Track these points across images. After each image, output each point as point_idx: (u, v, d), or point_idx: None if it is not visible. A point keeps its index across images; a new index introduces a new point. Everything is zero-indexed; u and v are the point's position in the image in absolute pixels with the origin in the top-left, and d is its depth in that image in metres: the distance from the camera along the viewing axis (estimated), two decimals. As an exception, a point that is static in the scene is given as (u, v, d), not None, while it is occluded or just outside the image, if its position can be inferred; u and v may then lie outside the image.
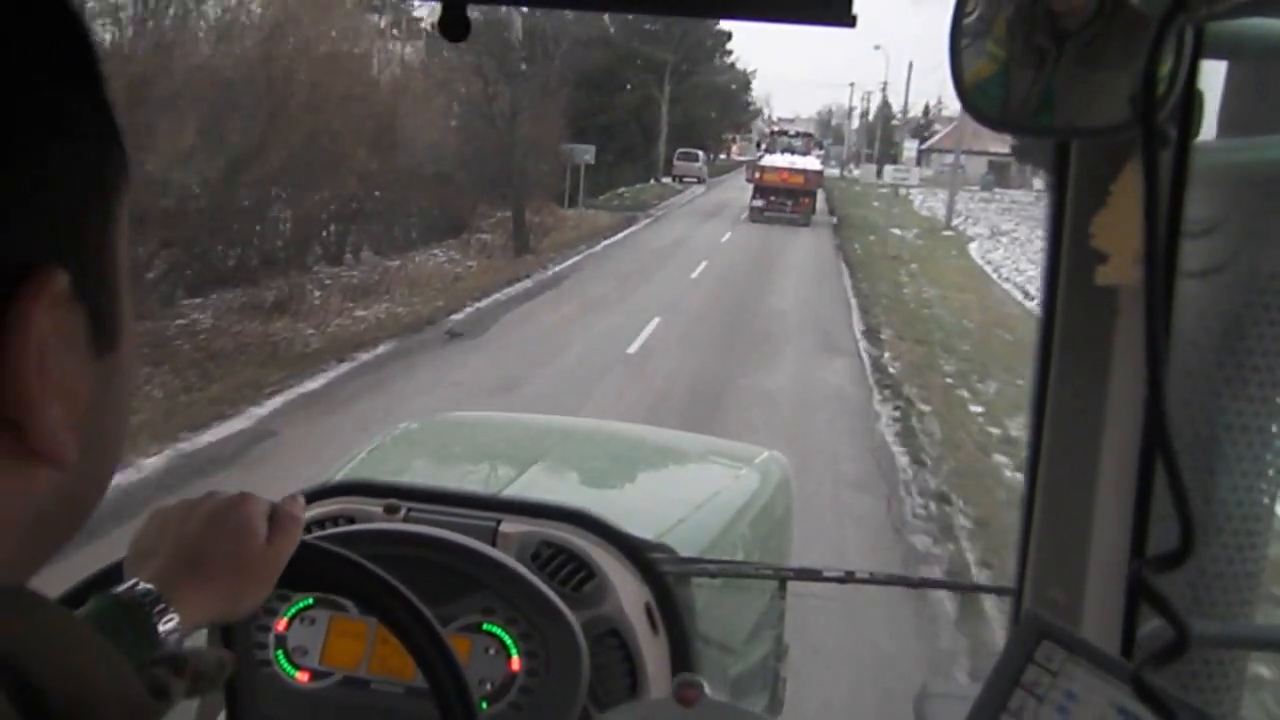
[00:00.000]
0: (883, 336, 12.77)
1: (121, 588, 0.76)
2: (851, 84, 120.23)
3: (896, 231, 24.51)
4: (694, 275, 17.67)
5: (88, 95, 0.42)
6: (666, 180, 46.50)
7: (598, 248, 21.72)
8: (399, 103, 18.47)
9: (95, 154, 0.43)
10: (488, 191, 21.98)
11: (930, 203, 39.62)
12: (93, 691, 0.43)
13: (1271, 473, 0.96)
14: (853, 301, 15.87)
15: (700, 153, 50.11)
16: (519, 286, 15.79)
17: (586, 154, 25.20)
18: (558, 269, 18.15)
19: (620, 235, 24.45)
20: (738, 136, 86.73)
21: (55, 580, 0.88)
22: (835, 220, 31.55)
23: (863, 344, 12.40)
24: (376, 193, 17.81)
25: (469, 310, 13.42)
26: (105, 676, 0.44)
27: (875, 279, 18.13)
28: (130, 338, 0.47)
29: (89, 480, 0.46)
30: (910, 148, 54.39)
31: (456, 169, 20.59)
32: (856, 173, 64.74)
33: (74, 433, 0.42)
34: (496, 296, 14.61)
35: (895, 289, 17.32)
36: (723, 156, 79.00)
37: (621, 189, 37.25)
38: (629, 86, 38.48)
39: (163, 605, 0.75)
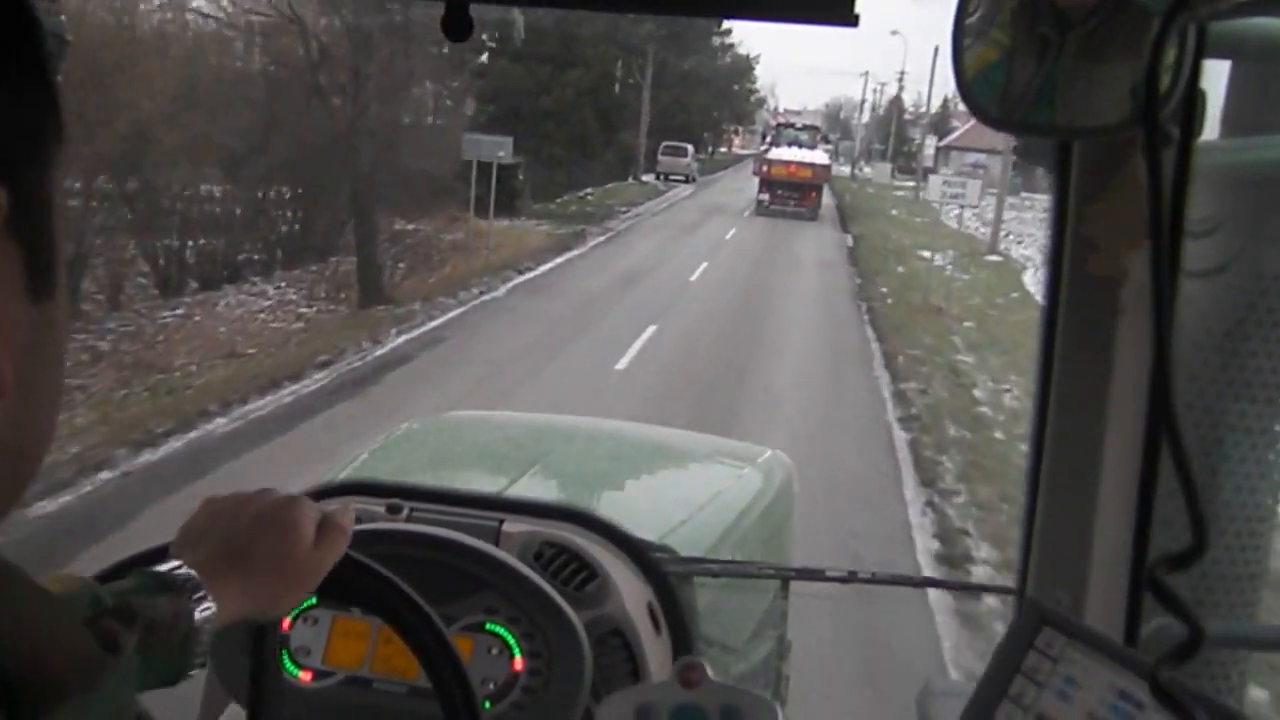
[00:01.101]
0: (978, 554, 6.17)
1: (165, 567, 0.76)
2: (865, 73, 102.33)
3: (933, 259, 16.98)
4: (623, 364, 10.15)
5: (30, 75, 0.43)
6: (649, 178, 39.64)
7: (499, 291, 13.99)
8: (179, 63, 13.08)
9: (33, 122, 0.43)
10: (379, 198, 14.57)
11: (956, 210, 32.20)
12: (36, 644, 0.42)
13: (1275, 474, 0.96)
14: (899, 439, 8.40)
15: (689, 147, 42.26)
16: (304, 385, 8.86)
17: (501, 148, 16.81)
18: (407, 336, 11.05)
19: (547, 266, 16.86)
20: (741, 129, 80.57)
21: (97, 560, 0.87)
22: (851, 240, 23.79)
23: (945, 629, 5.12)
24: (179, 192, 12.15)
25: (124, 471, 6.61)
26: (50, 629, 0.43)
27: (925, 369, 10.82)
28: (64, 294, 0.47)
29: (24, 431, 0.45)
30: (930, 145, 49.83)
31: (295, 165, 14.01)
32: (868, 171, 58.32)
33: (7, 361, 0.41)
34: (217, 423, 7.73)
35: (960, 390, 10.15)
36: (724, 150, 73.43)
37: (588, 190, 30.46)
38: (591, 65, 29.93)
39: (202, 592, 0.75)
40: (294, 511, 0.85)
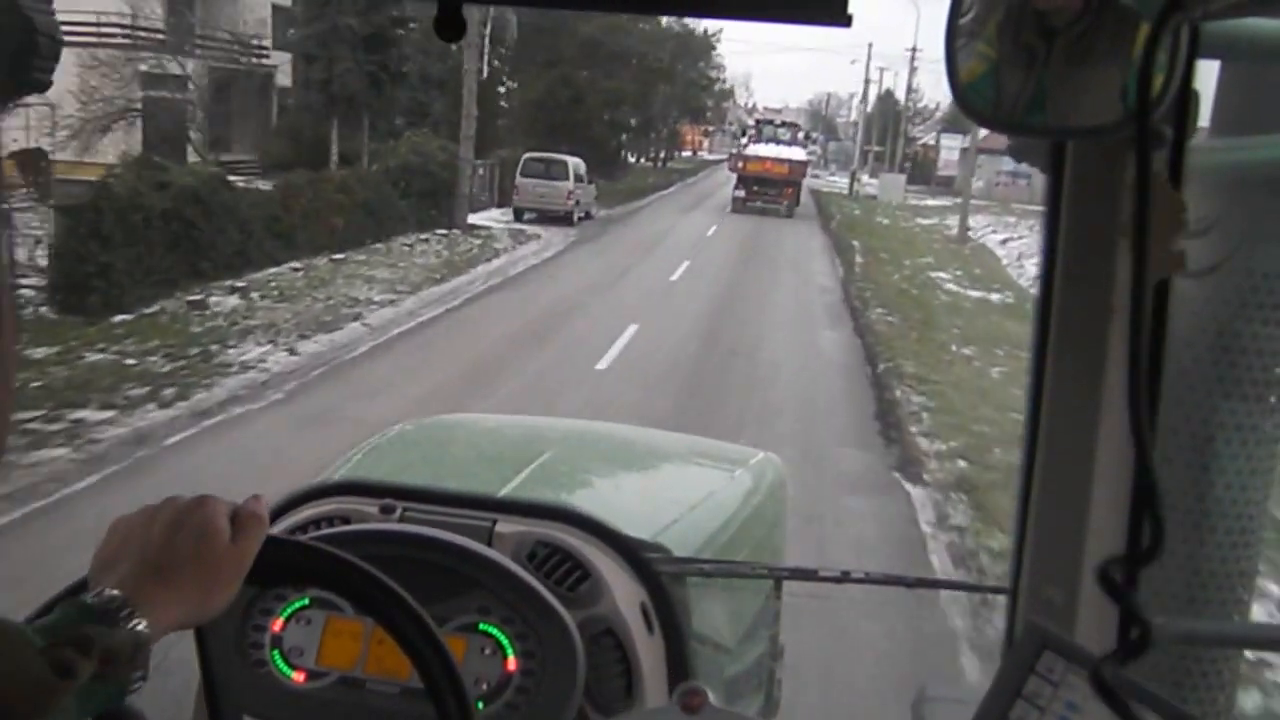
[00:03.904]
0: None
1: (88, 595, 0.75)
2: (869, 45, 60.93)
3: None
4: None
5: None
6: (493, 219, 22.79)
7: None
8: None
9: None
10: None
11: (1022, 253, 20.05)
12: None
13: (1266, 471, 0.96)
14: None
15: (571, 161, 23.91)
16: None
17: None
18: None
19: None
20: (711, 129, 66.01)
21: (25, 602, 0.84)
22: (930, 513, 6.38)
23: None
24: None
25: None
26: (3, 657, 0.43)
27: None
28: (11, 324, 0.47)
29: None
30: (950, 147, 38.65)
31: None
32: (871, 185, 42.65)
33: None
34: None
35: None
36: (688, 153, 60.47)
37: (246, 280, 13.31)
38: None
39: (129, 610, 0.74)
40: (204, 511, 0.84)
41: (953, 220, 27.76)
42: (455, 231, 20.41)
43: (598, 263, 18.13)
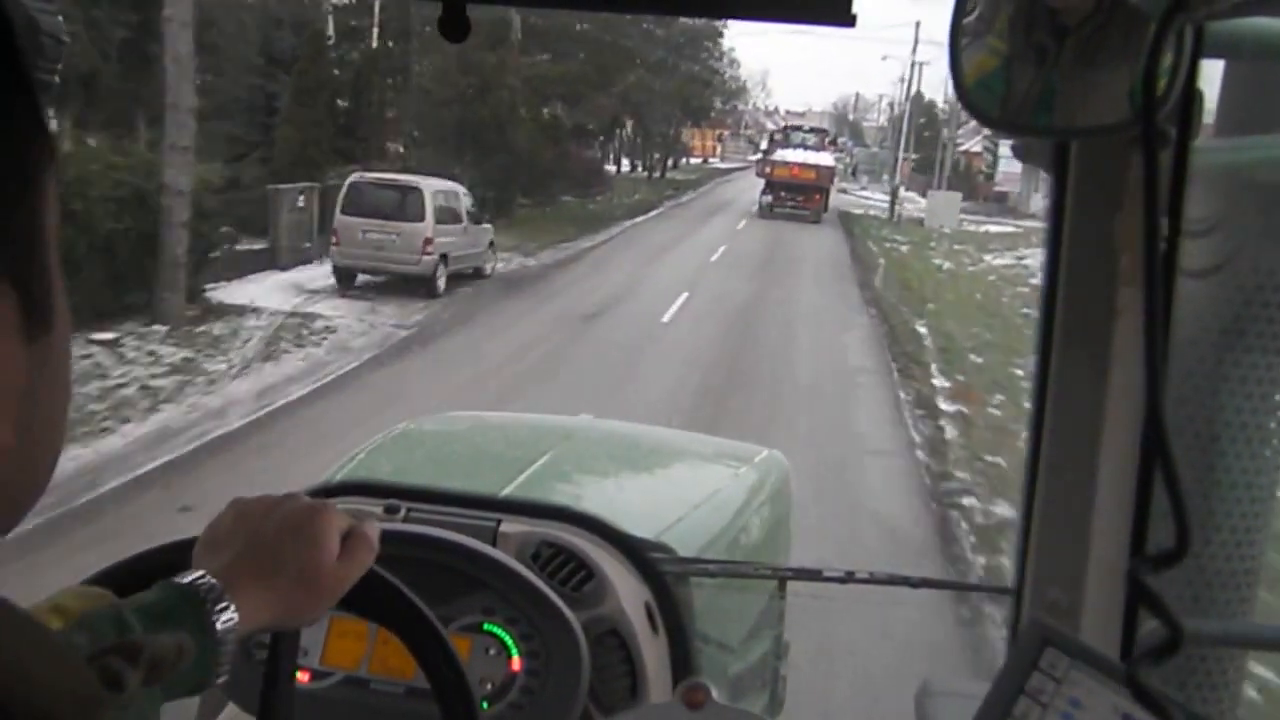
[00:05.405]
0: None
1: (188, 578, 0.75)
2: (917, 23, 45.35)
3: None
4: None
5: (11, 84, 0.41)
6: (268, 297, 11.94)
7: None
8: None
9: (19, 141, 0.42)
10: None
11: None
12: (36, 686, 0.41)
13: (1271, 471, 0.96)
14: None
15: (432, 190, 13.82)
16: None
17: None
18: None
19: None
20: (725, 133, 60.45)
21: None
22: None
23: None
24: None
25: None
26: (50, 670, 0.43)
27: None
28: (65, 322, 0.46)
29: (27, 468, 0.45)
30: (1011, 157, 28.48)
31: None
32: (911, 199, 34.53)
33: (7, 420, 0.41)
34: None
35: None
36: (695, 159, 53.44)
37: None
38: None
39: (225, 602, 0.74)
40: (320, 520, 0.84)
41: (1031, 258, 19.84)
42: (154, 328, 10.16)
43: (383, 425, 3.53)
